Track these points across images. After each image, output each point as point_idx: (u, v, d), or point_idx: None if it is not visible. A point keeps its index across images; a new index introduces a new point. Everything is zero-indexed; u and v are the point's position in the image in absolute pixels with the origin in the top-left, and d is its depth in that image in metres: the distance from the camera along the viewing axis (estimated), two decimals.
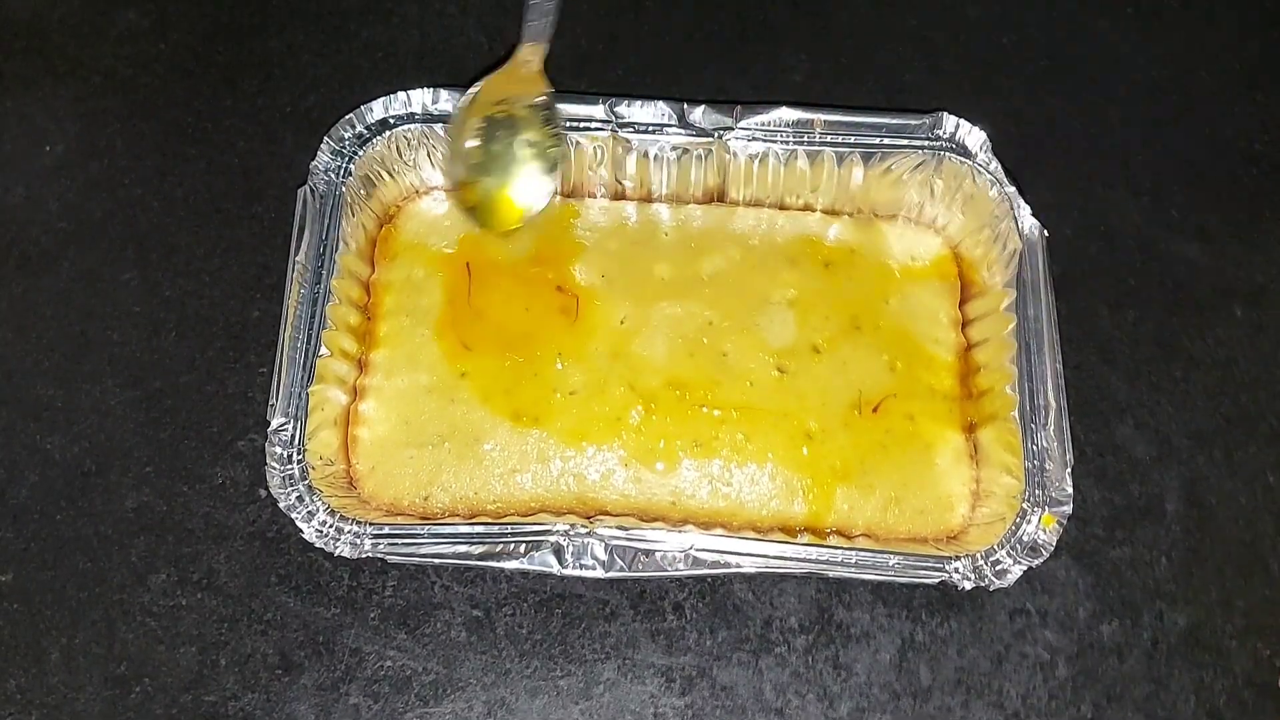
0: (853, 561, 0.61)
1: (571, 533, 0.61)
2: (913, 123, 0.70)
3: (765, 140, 0.71)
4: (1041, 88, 0.82)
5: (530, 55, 0.70)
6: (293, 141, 0.78)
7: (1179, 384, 0.73)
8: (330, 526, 0.61)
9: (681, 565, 0.61)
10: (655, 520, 0.65)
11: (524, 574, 0.66)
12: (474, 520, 0.63)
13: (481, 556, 0.61)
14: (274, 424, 0.63)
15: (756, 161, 0.71)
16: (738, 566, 0.61)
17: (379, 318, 0.71)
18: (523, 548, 0.61)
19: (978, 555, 0.61)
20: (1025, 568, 0.61)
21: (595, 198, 0.74)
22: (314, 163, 0.69)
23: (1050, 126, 0.80)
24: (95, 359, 0.72)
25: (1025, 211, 0.68)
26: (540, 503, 0.66)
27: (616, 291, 0.71)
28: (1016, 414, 0.64)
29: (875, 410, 0.68)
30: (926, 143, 0.70)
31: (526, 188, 0.69)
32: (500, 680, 0.65)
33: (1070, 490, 0.62)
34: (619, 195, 0.74)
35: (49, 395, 0.71)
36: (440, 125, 0.71)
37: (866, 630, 0.66)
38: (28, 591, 0.66)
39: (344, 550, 0.61)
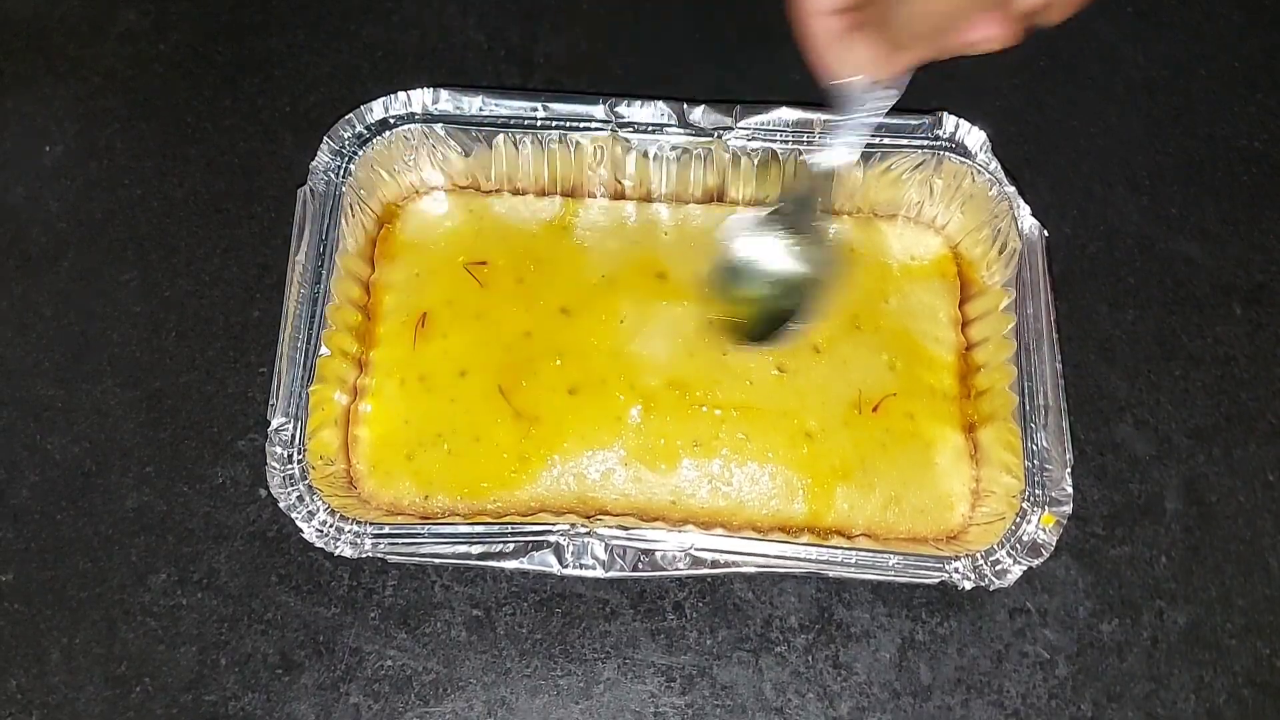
0: (853, 561, 0.61)
1: (571, 532, 0.61)
2: (913, 123, 0.70)
3: (765, 140, 0.71)
4: (1041, 88, 0.82)
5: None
6: (293, 141, 0.78)
7: (1178, 382, 0.73)
8: (330, 526, 0.61)
9: (681, 565, 0.61)
10: (655, 520, 0.65)
11: (524, 574, 0.66)
12: (474, 520, 0.63)
13: (481, 556, 0.61)
14: (274, 424, 0.63)
15: (756, 161, 0.71)
16: (738, 566, 0.61)
17: (379, 318, 0.71)
18: (523, 548, 0.61)
19: (978, 555, 0.61)
20: (1025, 567, 0.61)
21: (595, 198, 0.74)
22: (314, 163, 0.69)
23: (1050, 126, 0.80)
24: (95, 359, 0.72)
25: (1025, 211, 0.68)
26: (540, 502, 0.66)
27: (616, 291, 0.71)
28: (1016, 413, 0.64)
29: (875, 410, 0.68)
30: (926, 142, 0.70)
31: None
32: (500, 679, 0.65)
33: (1070, 489, 0.62)
34: (619, 195, 0.74)
35: (49, 395, 0.71)
36: (440, 125, 0.71)
37: (867, 629, 0.66)
38: (28, 591, 0.66)
39: (344, 550, 0.61)
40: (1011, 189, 0.69)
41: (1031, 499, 0.62)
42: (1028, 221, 0.68)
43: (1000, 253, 0.69)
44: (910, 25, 0.45)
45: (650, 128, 0.71)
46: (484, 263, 0.71)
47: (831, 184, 0.61)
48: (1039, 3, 0.42)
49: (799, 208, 0.62)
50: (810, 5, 0.49)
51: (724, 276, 0.64)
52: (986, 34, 0.45)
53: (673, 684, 0.65)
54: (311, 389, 0.64)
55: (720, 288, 0.64)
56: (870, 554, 0.61)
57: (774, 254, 0.63)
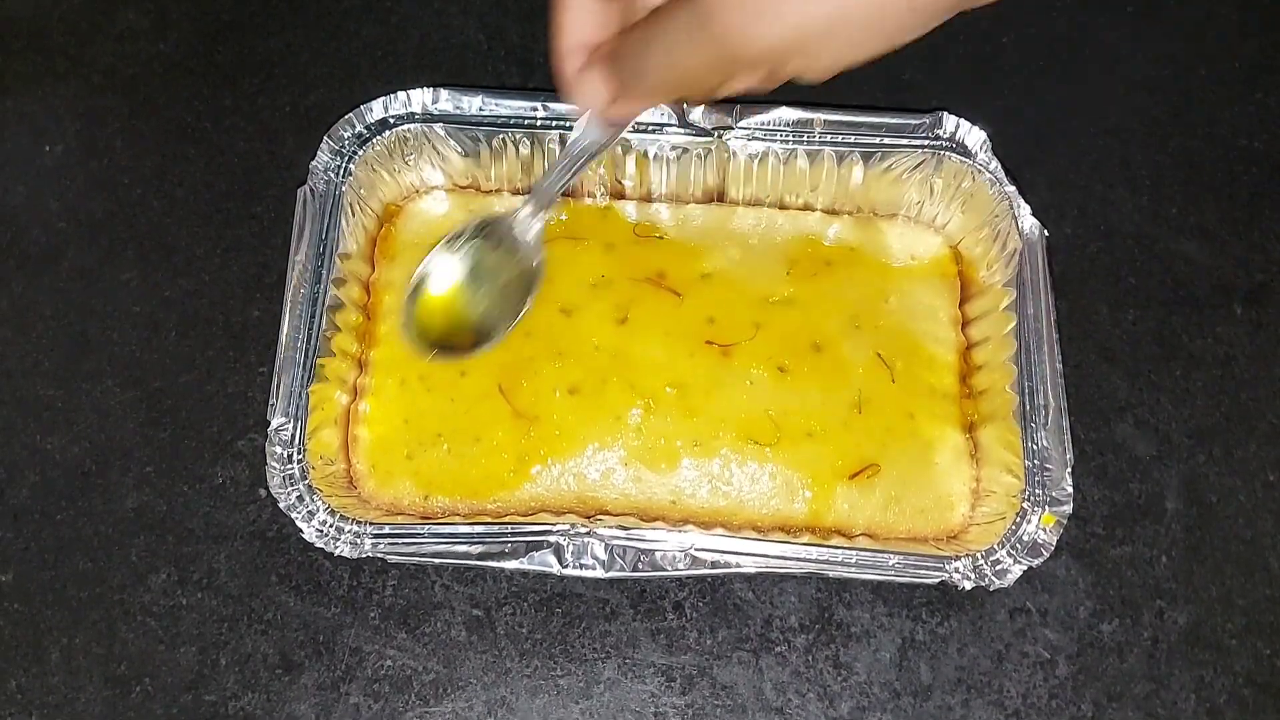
0: (853, 561, 0.61)
1: (571, 532, 0.61)
2: (913, 122, 0.70)
3: (765, 140, 0.71)
4: (1041, 87, 0.82)
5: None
6: (293, 141, 0.78)
7: (1179, 382, 0.73)
8: (330, 526, 0.61)
9: (682, 565, 0.61)
10: (655, 520, 0.65)
11: (524, 574, 0.66)
12: (474, 520, 0.63)
13: (481, 556, 0.61)
14: (274, 424, 0.63)
15: (756, 161, 0.71)
16: (738, 566, 0.61)
17: (379, 317, 0.71)
18: (523, 548, 0.61)
19: (978, 555, 0.61)
20: (1025, 567, 0.61)
21: (595, 197, 0.74)
22: (314, 162, 0.69)
23: (1050, 126, 0.80)
24: (95, 359, 0.72)
25: (1025, 211, 0.68)
26: (540, 502, 0.66)
27: (616, 291, 0.71)
28: (1016, 413, 0.64)
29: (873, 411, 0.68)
30: (926, 142, 0.70)
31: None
32: (500, 680, 0.65)
33: (1070, 489, 0.62)
34: (619, 195, 0.74)
35: (49, 395, 0.71)
36: (440, 125, 0.71)
37: (867, 629, 0.66)
38: (28, 591, 0.66)
39: (344, 550, 0.61)
40: (1011, 189, 0.69)
41: (1032, 499, 0.62)
42: (1028, 221, 0.68)
43: (1000, 252, 0.69)
44: (651, 81, 0.45)
45: (650, 127, 0.71)
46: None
47: (548, 200, 0.61)
48: (792, 72, 0.42)
49: (501, 223, 0.63)
50: (563, 39, 0.48)
51: (424, 287, 0.63)
52: (732, 91, 0.44)
53: (673, 684, 0.65)
54: (311, 389, 0.64)
55: (420, 302, 0.63)
56: (870, 554, 0.61)
57: (477, 266, 0.63)
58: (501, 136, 0.71)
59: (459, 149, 0.72)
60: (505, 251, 0.63)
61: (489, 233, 0.63)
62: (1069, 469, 0.62)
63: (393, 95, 0.71)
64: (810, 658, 0.65)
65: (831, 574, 0.61)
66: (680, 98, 0.46)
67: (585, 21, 0.47)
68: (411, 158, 0.72)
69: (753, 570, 0.61)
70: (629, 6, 0.47)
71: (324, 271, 0.66)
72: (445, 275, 0.63)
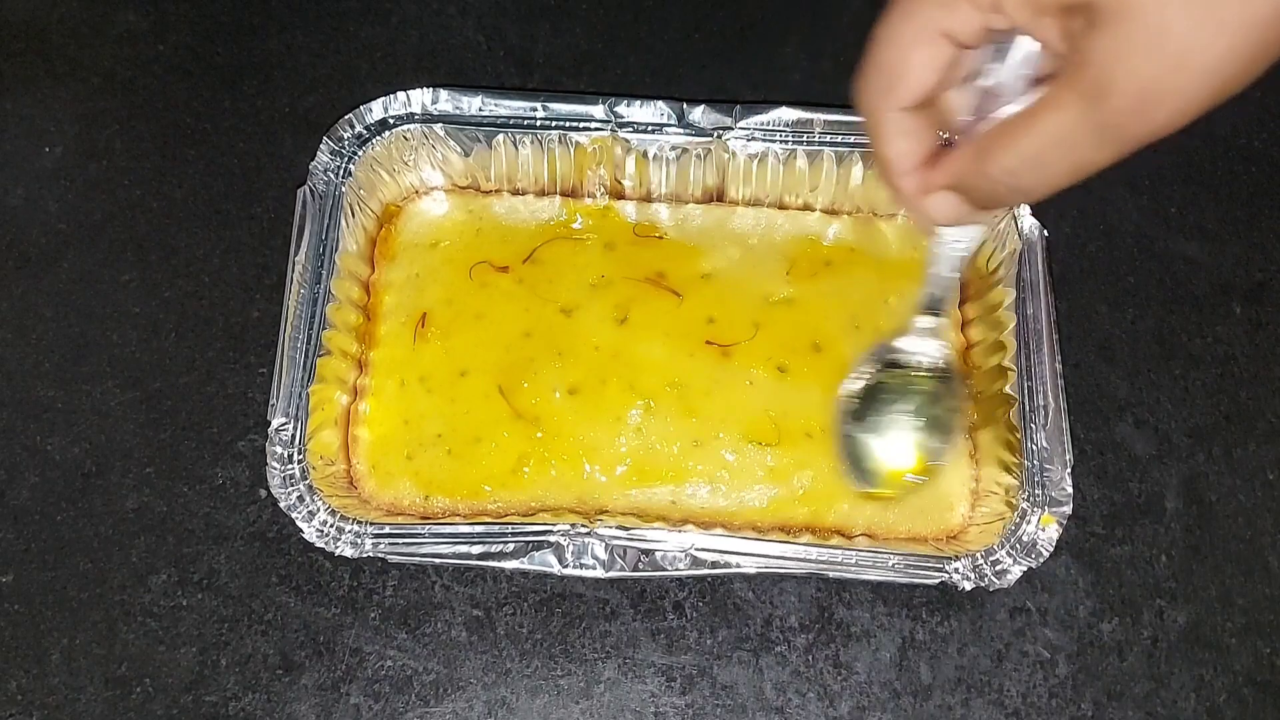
0: (853, 562, 0.61)
1: (572, 533, 0.61)
2: None
3: (764, 140, 0.71)
4: None
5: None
6: (293, 141, 0.78)
7: (1178, 381, 0.73)
8: (331, 526, 0.61)
9: (682, 565, 0.61)
10: (655, 520, 0.65)
11: (524, 574, 0.66)
12: (474, 520, 0.63)
13: (482, 556, 0.61)
14: (274, 424, 0.63)
15: (755, 161, 0.71)
16: (738, 566, 0.61)
17: (379, 318, 0.71)
18: (523, 548, 0.61)
19: (977, 555, 0.61)
20: (1025, 567, 0.61)
21: (595, 198, 0.74)
22: (314, 163, 0.69)
23: None
24: (95, 359, 0.72)
25: (1024, 211, 0.68)
26: (540, 502, 0.66)
27: (616, 291, 0.71)
28: (1016, 413, 0.64)
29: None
30: None
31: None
32: (501, 680, 0.65)
33: (1070, 490, 0.62)
34: (619, 195, 0.74)
35: (49, 396, 0.71)
36: (440, 125, 0.71)
37: (867, 629, 0.66)
38: (28, 592, 0.66)
39: (344, 550, 0.61)
40: None
41: (1031, 499, 0.62)
42: (1027, 221, 0.68)
43: (1000, 252, 0.69)
44: (1023, 189, 0.45)
45: (650, 128, 0.71)
46: (493, 263, 0.71)
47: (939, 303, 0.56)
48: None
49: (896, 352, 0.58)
50: (897, 168, 0.47)
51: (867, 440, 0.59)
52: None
53: (673, 684, 0.65)
54: (311, 389, 0.64)
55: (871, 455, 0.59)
56: (870, 554, 0.61)
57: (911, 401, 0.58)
58: (501, 136, 0.71)
59: (459, 149, 0.72)
60: (916, 375, 0.58)
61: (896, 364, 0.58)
62: (1068, 469, 0.62)
63: (392, 95, 0.71)
64: (810, 658, 0.65)
65: (831, 574, 0.61)
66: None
67: (911, 145, 0.46)
68: (411, 158, 0.72)
69: (753, 570, 0.61)
70: (939, 107, 0.47)
71: (324, 271, 0.66)
72: (881, 423, 0.59)
